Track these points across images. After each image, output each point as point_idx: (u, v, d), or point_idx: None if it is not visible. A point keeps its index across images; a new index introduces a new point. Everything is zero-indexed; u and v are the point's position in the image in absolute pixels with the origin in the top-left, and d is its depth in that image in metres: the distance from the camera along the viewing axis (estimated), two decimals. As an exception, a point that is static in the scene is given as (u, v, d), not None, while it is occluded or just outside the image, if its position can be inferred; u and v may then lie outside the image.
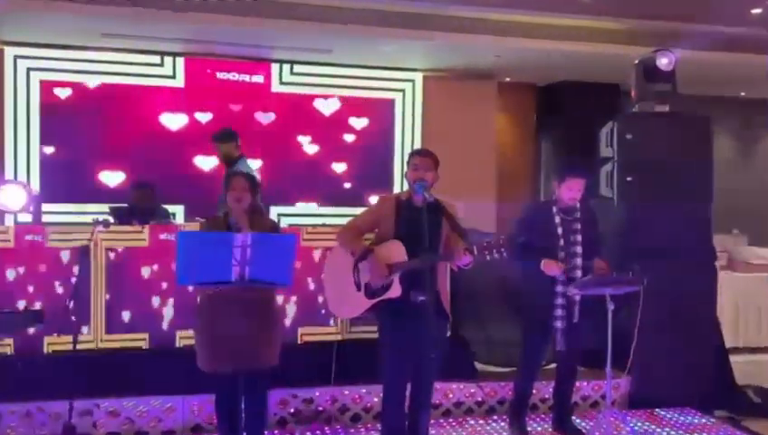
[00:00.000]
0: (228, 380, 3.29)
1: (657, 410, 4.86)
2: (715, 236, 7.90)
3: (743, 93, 9.48)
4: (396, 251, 3.55)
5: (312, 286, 4.59)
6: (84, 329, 4.29)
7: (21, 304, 4.19)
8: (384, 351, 3.66)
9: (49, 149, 7.31)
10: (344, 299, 3.69)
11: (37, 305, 4.18)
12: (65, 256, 4.30)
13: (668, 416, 4.79)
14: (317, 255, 4.56)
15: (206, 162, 7.64)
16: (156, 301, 4.45)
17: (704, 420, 4.75)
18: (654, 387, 4.88)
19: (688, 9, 6.57)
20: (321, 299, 4.52)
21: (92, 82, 7.41)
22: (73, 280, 4.03)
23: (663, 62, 5.05)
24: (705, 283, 5.08)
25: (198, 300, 3.73)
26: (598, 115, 5.57)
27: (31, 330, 3.94)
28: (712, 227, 5.21)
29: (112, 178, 7.46)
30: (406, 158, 3.96)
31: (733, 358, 5.46)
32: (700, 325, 4.98)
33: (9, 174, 7.12)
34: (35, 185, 7.16)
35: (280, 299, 4.42)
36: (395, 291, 3.54)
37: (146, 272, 4.42)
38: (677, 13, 6.67)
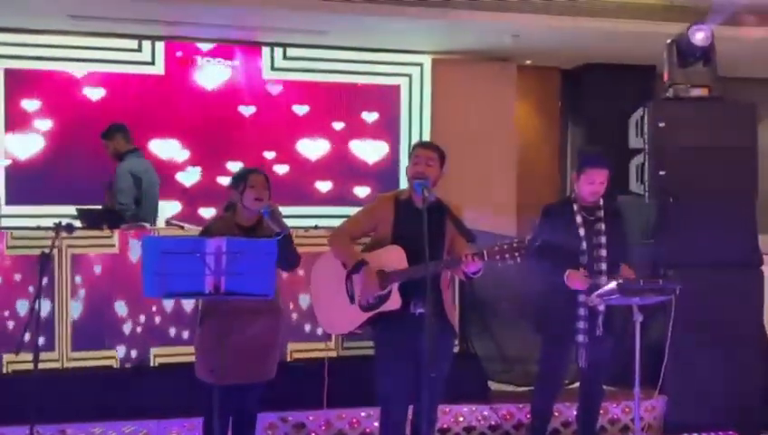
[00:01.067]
0: (222, 395, 3.29)
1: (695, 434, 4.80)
2: (761, 237, 7.82)
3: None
4: (394, 257, 3.52)
5: (303, 297, 4.58)
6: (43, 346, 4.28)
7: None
8: (380, 369, 3.63)
9: (13, 146, 7.33)
10: (336, 312, 3.66)
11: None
12: (26, 265, 4.31)
13: (708, 442, 4.75)
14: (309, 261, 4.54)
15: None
16: (127, 314, 4.45)
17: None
18: (693, 409, 4.82)
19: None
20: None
21: (63, 69, 7.44)
22: (32, 290, 4.02)
23: (698, 37, 4.98)
24: (749, 290, 5.01)
25: (200, 305, 3.75)
26: (632, 101, 5.52)
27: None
28: (757, 226, 5.13)
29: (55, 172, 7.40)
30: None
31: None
32: (744, 338, 4.91)
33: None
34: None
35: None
36: (393, 303, 3.52)
37: (116, 281, 4.43)
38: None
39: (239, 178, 3.60)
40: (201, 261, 3.00)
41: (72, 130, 7.36)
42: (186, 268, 3.00)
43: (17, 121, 7.31)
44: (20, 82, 7.32)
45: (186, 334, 4.51)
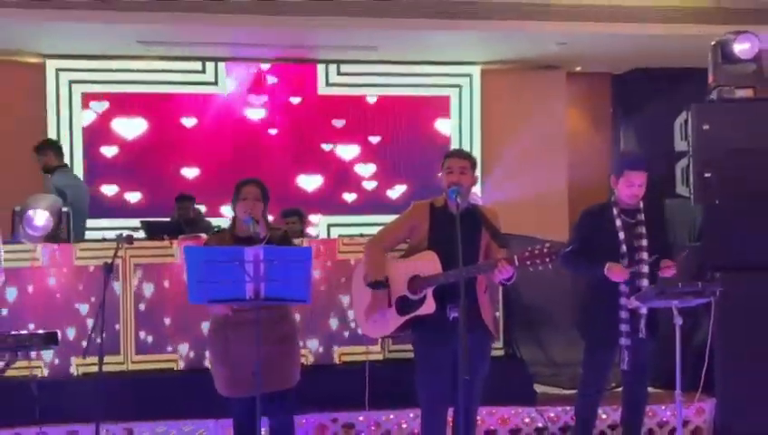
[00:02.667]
0: (246, 403, 3.32)
1: (748, 439, 4.61)
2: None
3: None
4: (429, 263, 3.50)
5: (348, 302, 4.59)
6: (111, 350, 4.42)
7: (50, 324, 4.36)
8: (419, 372, 3.61)
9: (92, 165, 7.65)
10: (374, 316, 3.65)
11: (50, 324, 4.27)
12: (92, 274, 4.45)
13: (761, 446, 4.53)
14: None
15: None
16: (188, 320, 4.53)
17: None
18: (744, 413, 4.63)
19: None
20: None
21: (134, 90, 7.72)
22: (95, 299, 4.16)
23: (743, 48, 4.79)
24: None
25: (209, 324, 3.76)
26: (685, 104, 5.35)
27: (49, 352, 4.10)
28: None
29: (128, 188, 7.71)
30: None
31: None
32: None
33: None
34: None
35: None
36: (428, 307, 3.49)
37: (176, 289, 4.49)
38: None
39: (234, 190, 3.57)
40: (241, 269, 3.05)
41: (144, 148, 7.64)
42: (227, 276, 3.06)
43: (94, 143, 7.64)
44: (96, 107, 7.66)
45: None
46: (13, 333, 3.15)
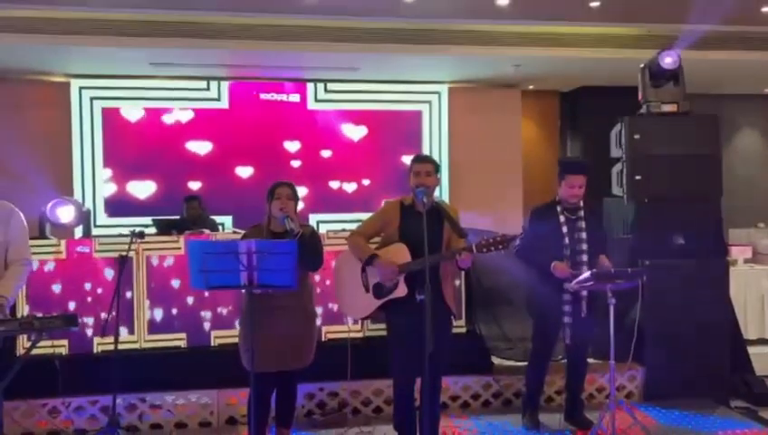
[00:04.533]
0: (267, 377, 3.31)
1: (671, 400, 4.64)
2: (739, 231, 7.56)
3: (766, 90, 9.02)
4: (400, 253, 3.51)
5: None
6: (125, 331, 4.41)
7: (71, 308, 4.35)
8: (392, 347, 3.62)
9: (109, 171, 7.57)
10: (354, 300, 3.66)
11: (71, 308, 4.34)
12: (109, 265, 4.43)
13: (683, 406, 4.57)
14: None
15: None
16: (193, 304, 4.52)
17: (719, 411, 4.52)
18: (669, 379, 4.69)
19: (698, 10, 6.30)
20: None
21: (147, 105, 7.65)
22: (111, 287, 4.13)
23: (667, 61, 4.86)
24: (716, 276, 4.85)
25: (243, 307, 3.71)
26: (618, 117, 5.40)
27: (72, 331, 4.07)
28: (723, 222, 4.97)
29: (143, 190, 7.63)
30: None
31: (756, 349, 5.22)
32: (713, 319, 4.75)
33: (77, 192, 7.42)
34: (100, 201, 7.44)
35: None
36: (400, 291, 3.51)
37: (183, 277, 4.49)
38: (688, 14, 6.40)
39: (269, 191, 3.57)
40: (236, 259, 3.04)
41: (154, 155, 7.58)
42: (224, 266, 3.05)
43: (112, 152, 7.56)
44: (113, 120, 7.58)
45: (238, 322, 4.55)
46: (38, 315, 3.10)
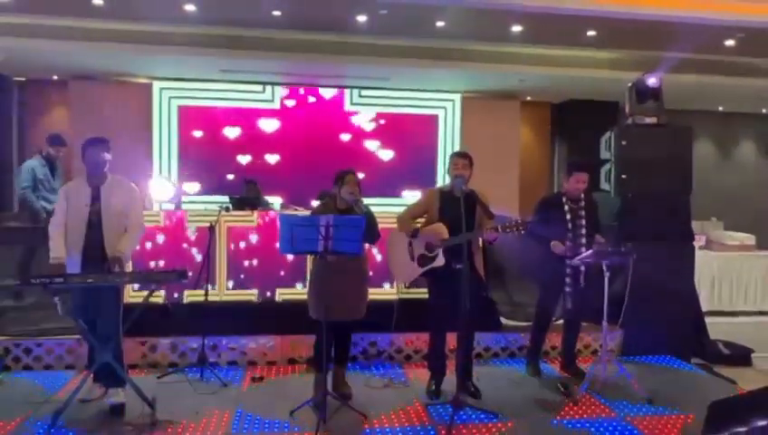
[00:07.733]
0: (330, 325, 3.40)
1: (644, 357, 4.78)
2: (696, 223, 7.64)
3: (720, 108, 9.09)
4: (440, 231, 3.61)
5: (378, 257, 4.67)
6: (209, 286, 4.50)
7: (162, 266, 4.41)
8: (431, 307, 3.73)
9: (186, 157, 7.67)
10: (403, 268, 3.77)
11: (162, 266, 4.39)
12: (199, 233, 4.51)
13: (654, 362, 4.72)
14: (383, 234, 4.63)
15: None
16: (261, 266, 4.60)
17: (682, 366, 4.66)
18: (643, 339, 4.79)
19: (673, 41, 6.37)
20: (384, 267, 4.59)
21: (214, 104, 7.72)
22: (200, 250, 4.21)
23: (651, 81, 4.92)
24: (684, 259, 4.93)
25: (312, 267, 3.76)
26: (600, 127, 5.47)
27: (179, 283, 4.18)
28: (691, 214, 5.05)
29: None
30: (447, 159, 3.98)
31: (710, 319, 5.33)
32: (680, 292, 4.84)
33: (156, 171, 7.53)
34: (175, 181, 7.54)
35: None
36: (440, 261, 3.61)
37: (254, 245, 4.58)
38: (665, 44, 6.46)
39: (339, 177, 3.59)
40: (316, 231, 3.15)
41: (223, 147, 7.66)
42: (306, 235, 3.14)
43: (189, 144, 7.65)
44: (188, 116, 7.66)
45: (299, 281, 4.63)
46: (156, 270, 3.22)
